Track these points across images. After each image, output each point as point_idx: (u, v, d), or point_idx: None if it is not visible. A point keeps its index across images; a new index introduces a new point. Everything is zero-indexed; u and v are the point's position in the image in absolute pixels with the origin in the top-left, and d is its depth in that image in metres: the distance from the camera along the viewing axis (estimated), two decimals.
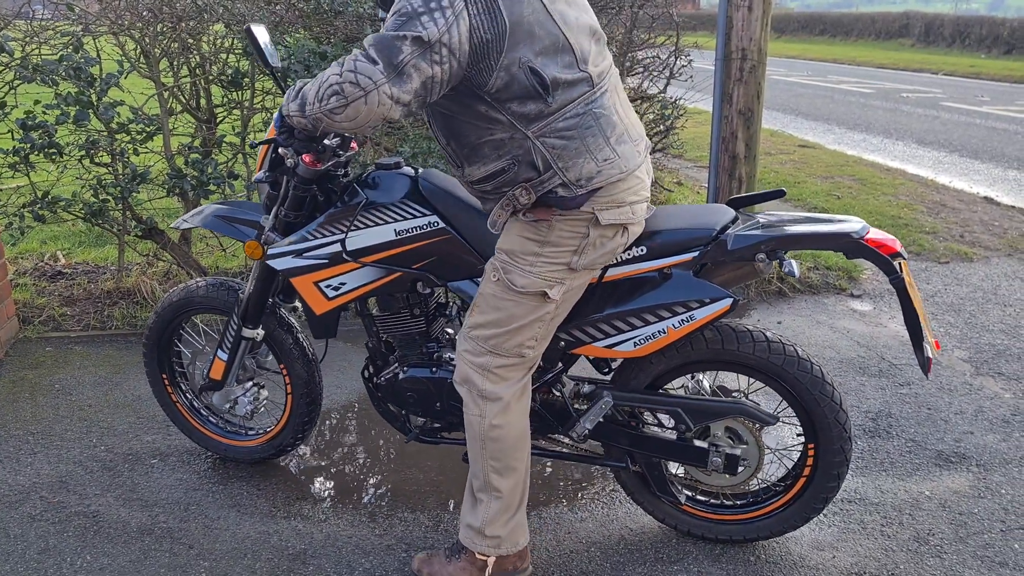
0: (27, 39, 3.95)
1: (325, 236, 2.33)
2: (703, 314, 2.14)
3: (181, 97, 4.36)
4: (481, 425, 2.14)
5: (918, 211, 6.27)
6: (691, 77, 5.37)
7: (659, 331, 2.17)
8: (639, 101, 5.53)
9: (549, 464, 2.92)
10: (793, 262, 2.13)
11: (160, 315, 2.77)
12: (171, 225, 2.96)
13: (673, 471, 2.51)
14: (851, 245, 2.09)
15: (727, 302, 2.13)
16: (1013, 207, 6.56)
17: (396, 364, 2.48)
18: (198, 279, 2.77)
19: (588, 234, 2.02)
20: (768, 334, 2.27)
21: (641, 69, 5.48)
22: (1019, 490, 2.77)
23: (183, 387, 2.92)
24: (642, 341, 2.19)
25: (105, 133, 3.99)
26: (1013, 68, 19.02)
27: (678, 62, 5.30)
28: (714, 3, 4.60)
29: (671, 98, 5.42)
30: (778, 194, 2.30)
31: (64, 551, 2.43)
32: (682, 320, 2.15)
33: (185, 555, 2.43)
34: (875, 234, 2.10)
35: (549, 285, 2.05)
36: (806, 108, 12.98)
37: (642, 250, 2.16)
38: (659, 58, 5.44)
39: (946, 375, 3.62)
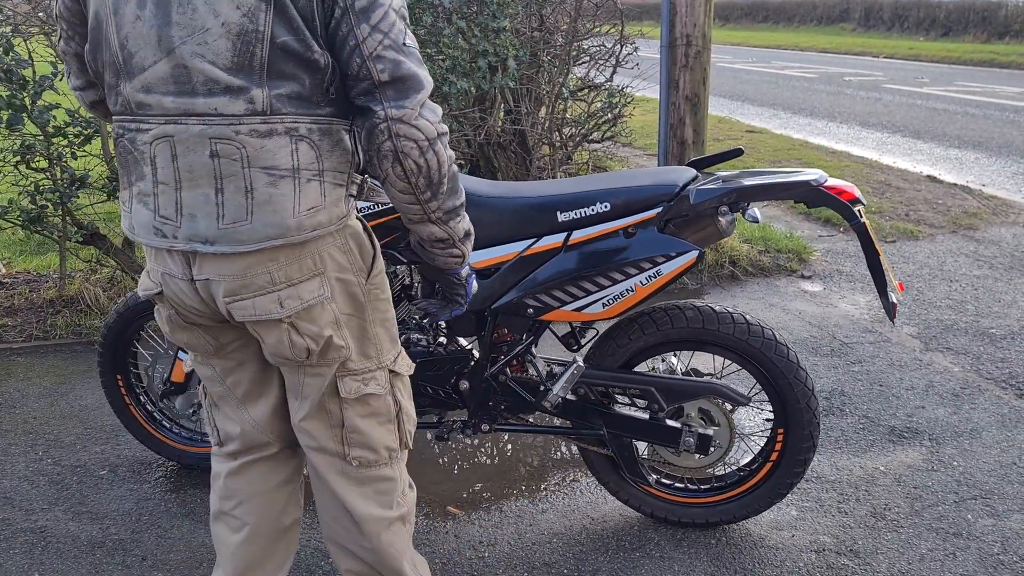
0: None
1: None
2: (670, 268, 2.16)
3: None
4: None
5: (864, 191, 6.36)
6: (637, 65, 5.38)
7: (627, 289, 2.18)
8: (586, 90, 5.53)
9: (509, 456, 2.91)
10: (756, 209, 2.17)
11: (122, 314, 2.67)
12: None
13: (642, 453, 2.51)
14: (811, 193, 2.12)
15: (693, 255, 2.15)
16: (955, 185, 6.70)
17: None
18: None
19: None
20: (748, 317, 2.30)
21: (587, 58, 5.48)
22: (970, 462, 2.82)
23: (138, 390, 2.83)
24: (610, 301, 2.20)
25: (41, 137, 3.87)
26: (950, 50, 19.43)
27: (624, 50, 5.31)
28: None
29: (618, 86, 5.43)
30: (736, 153, 2.31)
31: (11, 570, 2.35)
32: (649, 276, 2.17)
33: (138, 567, 2.36)
34: (834, 181, 2.13)
35: None
36: (752, 94, 13.12)
37: (606, 206, 2.17)
38: (605, 47, 5.45)
39: (896, 351, 3.68)
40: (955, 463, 2.82)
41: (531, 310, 2.24)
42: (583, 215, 2.18)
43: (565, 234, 2.20)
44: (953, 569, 2.31)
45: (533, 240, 2.21)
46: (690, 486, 2.52)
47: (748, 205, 2.16)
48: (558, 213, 2.19)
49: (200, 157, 1.47)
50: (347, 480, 1.78)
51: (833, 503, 2.61)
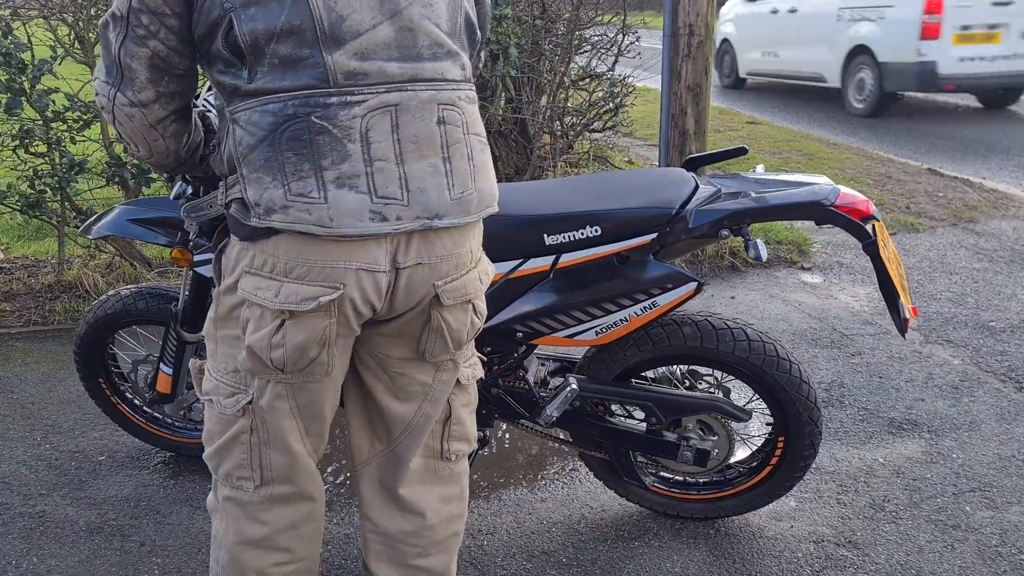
0: None
1: None
2: (666, 300, 2.04)
3: None
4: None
5: (865, 184, 6.35)
6: (639, 55, 5.36)
7: (621, 319, 2.08)
8: (587, 80, 5.52)
9: (507, 445, 2.91)
10: (760, 245, 1.98)
11: (92, 326, 2.57)
12: (78, 234, 2.75)
13: (640, 457, 2.48)
14: (821, 213, 1.97)
15: (691, 286, 2.04)
16: (956, 178, 6.68)
17: None
18: (129, 287, 2.59)
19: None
20: (748, 331, 2.16)
21: (589, 48, 5.46)
22: (969, 454, 2.82)
23: (122, 388, 2.76)
24: (604, 330, 2.10)
25: (40, 122, 3.85)
26: None
27: (626, 40, 5.29)
28: None
29: (620, 76, 5.42)
30: (739, 152, 2.15)
31: (9, 554, 2.35)
32: (644, 307, 2.06)
33: (136, 552, 2.36)
34: (845, 197, 1.98)
35: (228, 386, 1.54)
36: (753, 85, 13.06)
37: (596, 231, 2.03)
38: (607, 36, 5.43)
39: (896, 344, 3.68)
40: (954, 455, 2.82)
41: (520, 335, 2.13)
42: (572, 239, 2.03)
43: (553, 257, 2.06)
44: (951, 561, 2.31)
45: (520, 261, 2.08)
46: (689, 481, 2.50)
47: (751, 235, 1.99)
48: (545, 236, 2.05)
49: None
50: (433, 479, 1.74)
51: (832, 494, 2.61)
